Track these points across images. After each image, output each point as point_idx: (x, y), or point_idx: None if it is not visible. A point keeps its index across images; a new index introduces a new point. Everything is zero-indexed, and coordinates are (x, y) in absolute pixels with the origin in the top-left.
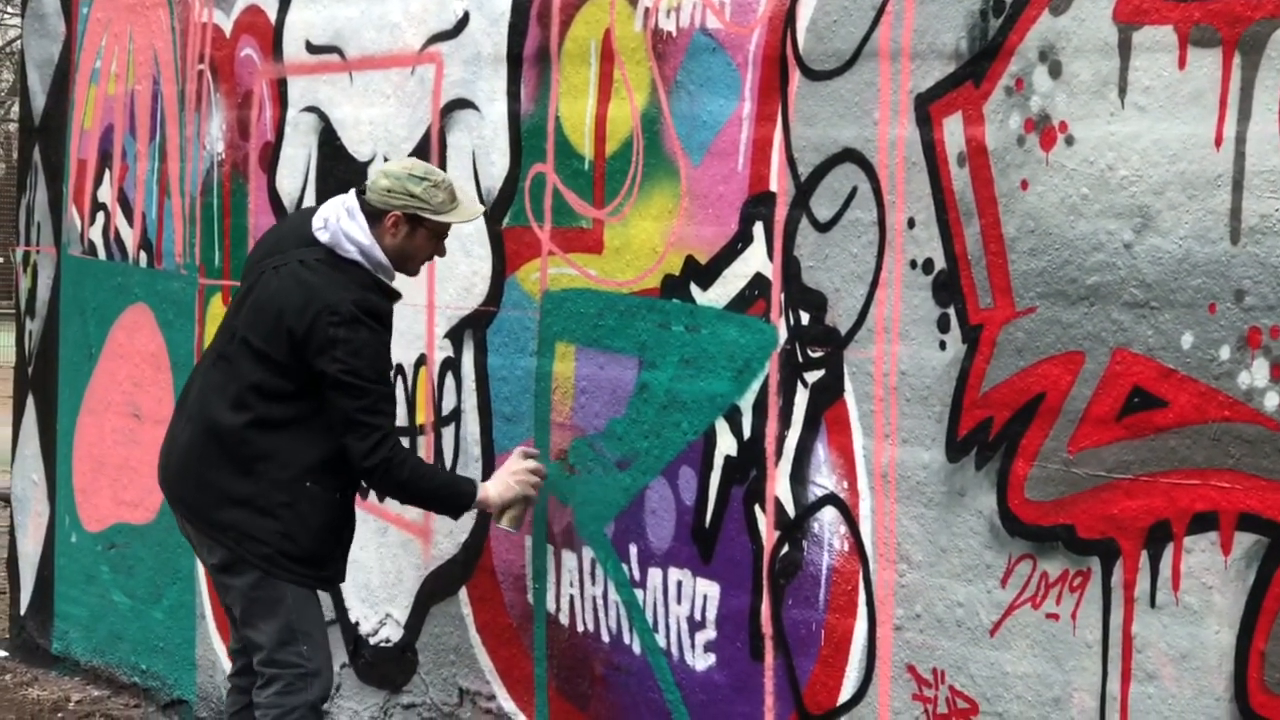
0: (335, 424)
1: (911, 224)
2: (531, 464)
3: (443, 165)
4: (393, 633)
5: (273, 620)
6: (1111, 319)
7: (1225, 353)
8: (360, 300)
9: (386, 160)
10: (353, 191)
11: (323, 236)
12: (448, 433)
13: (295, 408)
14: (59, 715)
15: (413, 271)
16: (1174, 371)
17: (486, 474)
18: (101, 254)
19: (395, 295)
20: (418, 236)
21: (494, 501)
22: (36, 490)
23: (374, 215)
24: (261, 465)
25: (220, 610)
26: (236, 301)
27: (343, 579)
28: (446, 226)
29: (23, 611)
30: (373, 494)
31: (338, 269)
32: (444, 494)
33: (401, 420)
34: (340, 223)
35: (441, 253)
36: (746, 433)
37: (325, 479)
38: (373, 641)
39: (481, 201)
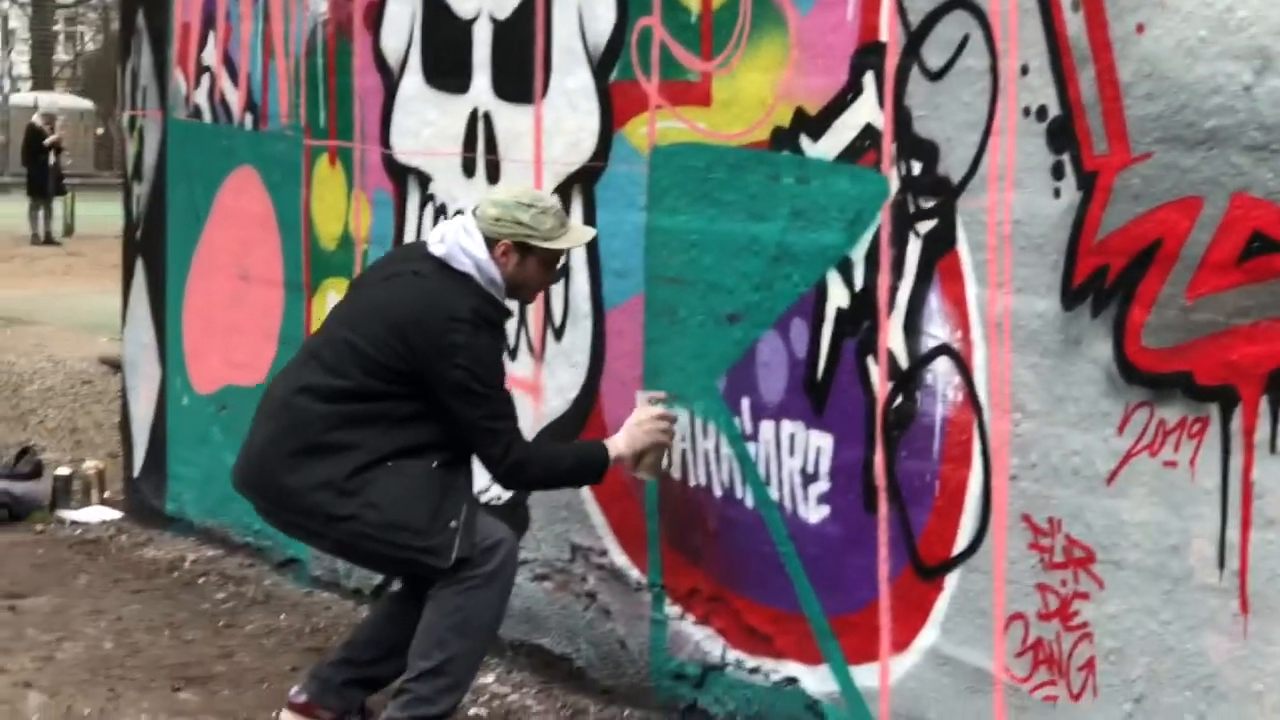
0: (461, 432)
1: (1025, 71)
2: (657, 409)
3: (548, 21)
4: (504, 490)
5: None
6: (1230, 163)
7: None
8: (479, 307)
9: (493, 17)
10: (470, 213)
11: (438, 250)
12: (556, 290)
13: (387, 406)
14: (174, 575)
15: (527, 300)
16: None
17: (598, 331)
18: (207, 117)
19: (508, 313)
20: (529, 264)
21: (626, 455)
22: (147, 353)
23: (485, 244)
24: (345, 451)
25: None
26: (338, 312)
27: (461, 553)
28: (558, 253)
29: (136, 474)
30: None
31: (452, 279)
32: (581, 470)
33: None
34: (458, 238)
35: (556, 279)
36: (858, 284)
37: (410, 457)
38: (484, 499)
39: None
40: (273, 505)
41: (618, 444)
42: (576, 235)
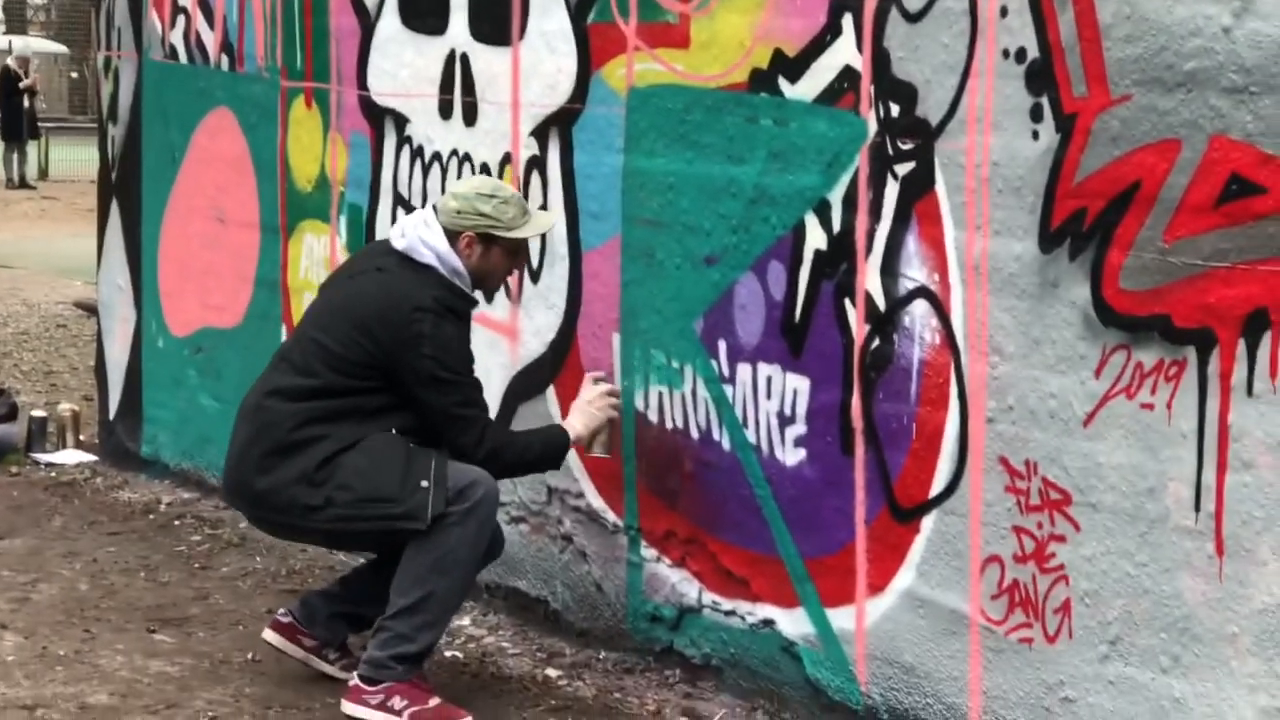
0: (432, 422)
1: (1004, 12)
2: (605, 387)
3: None
4: None
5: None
6: (1209, 105)
7: None
8: (442, 296)
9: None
10: (430, 207)
11: (399, 244)
12: None
13: (357, 400)
14: (150, 517)
15: (492, 289)
16: (1273, 158)
17: (574, 273)
18: (183, 58)
19: (473, 302)
20: (493, 255)
21: (585, 435)
22: (122, 295)
23: (448, 237)
24: (313, 444)
25: None
26: (307, 314)
27: (436, 510)
28: (521, 242)
29: (111, 416)
30: None
31: (414, 271)
32: (548, 454)
33: None
34: (418, 230)
35: (521, 268)
36: (836, 226)
37: (376, 433)
38: None
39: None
40: (256, 509)
41: (574, 426)
42: (539, 223)
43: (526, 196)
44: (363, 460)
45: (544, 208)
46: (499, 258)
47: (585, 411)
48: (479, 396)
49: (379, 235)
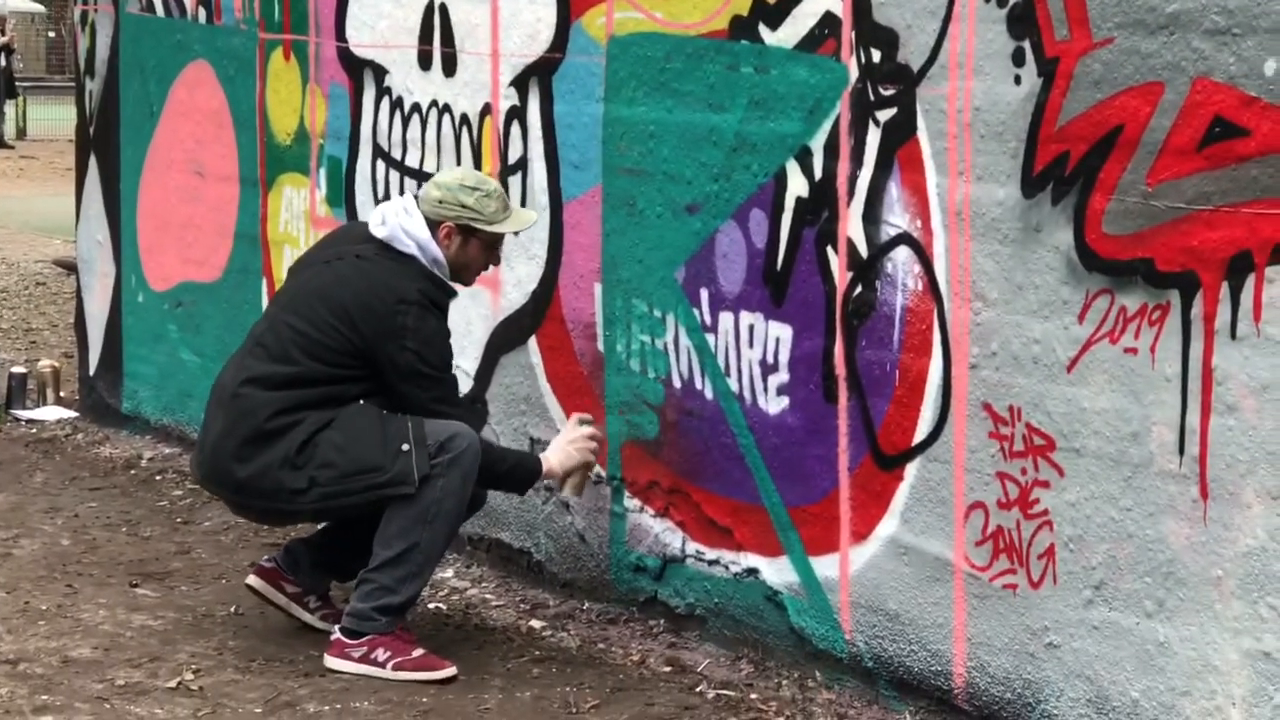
0: (409, 414)
1: None
2: (588, 430)
3: None
4: (462, 384)
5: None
6: (1192, 47)
7: None
8: (426, 289)
9: None
10: (410, 195)
11: (380, 232)
12: (514, 181)
13: (335, 390)
14: (131, 472)
15: (467, 281)
16: (1256, 99)
17: (555, 223)
18: (160, 11)
19: (453, 293)
20: (471, 247)
21: (558, 472)
22: (102, 250)
23: (428, 226)
24: (291, 429)
25: None
26: (280, 297)
27: (422, 471)
28: (500, 236)
29: (92, 372)
30: None
31: (396, 260)
32: (516, 474)
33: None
34: (399, 219)
35: (496, 262)
36: (818, 173)
37: (347, 408)
38: None
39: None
40: (238, 497)
41: (550, 460)
42: (519, 219)
43: (507, 147)
44: (339, 436)
45: (525, 157)
46: (476, 250)
47: (564, 450)
48: (456, 394)
49: (358, 188)
